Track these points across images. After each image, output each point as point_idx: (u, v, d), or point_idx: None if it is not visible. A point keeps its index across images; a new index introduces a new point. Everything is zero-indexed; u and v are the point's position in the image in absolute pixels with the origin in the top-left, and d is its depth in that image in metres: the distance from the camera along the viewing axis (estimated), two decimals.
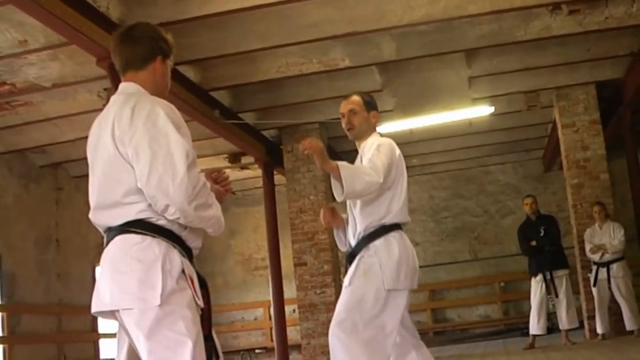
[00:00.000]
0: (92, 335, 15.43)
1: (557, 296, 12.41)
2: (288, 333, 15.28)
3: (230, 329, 20.44)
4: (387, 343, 5.30)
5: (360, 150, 5.69)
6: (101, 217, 3.69)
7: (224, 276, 20.79)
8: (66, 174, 15.29)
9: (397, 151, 5.55)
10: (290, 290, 15.85)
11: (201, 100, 11.81)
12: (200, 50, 10.65)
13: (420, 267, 17.29)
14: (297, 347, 15.97)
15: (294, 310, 16.58)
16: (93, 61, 9.04)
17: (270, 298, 15.28)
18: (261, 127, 14.54)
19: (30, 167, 14.53)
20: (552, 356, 11.22)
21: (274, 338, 15.34)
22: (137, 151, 3.52)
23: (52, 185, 15.05)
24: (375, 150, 5.43)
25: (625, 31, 11.45)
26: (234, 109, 13.16)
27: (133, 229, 3.56)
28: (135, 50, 3.84)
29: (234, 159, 16.10)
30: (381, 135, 5.77)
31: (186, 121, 11.78)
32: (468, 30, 11.14)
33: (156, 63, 3.87)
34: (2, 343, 13.13)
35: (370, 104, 5.75)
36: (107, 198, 3.64)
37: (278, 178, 15.98)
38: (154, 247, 3.53)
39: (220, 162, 16.30)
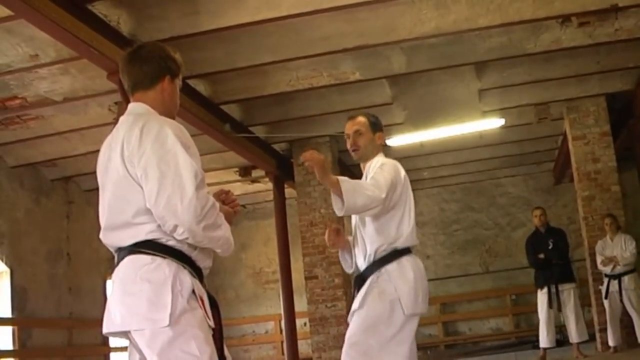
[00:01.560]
0: (103, 349, 15.42)
1: (559, 310, 12.44)
2: (299, 346, 15.29)
3: (241, 342, 20.43)
4: None
5: (364, 172, 5.64)
6: (111, 238, 3.71)
7: (235, 290, 20.78)
8: (77, 187, 15.32)
9: (402, 172, 5.49)
10: (301, 304, 15.83)
11: (212, 114, 11.83)
12: (210, 64, 10.68)
13: (431, 280, 17.20)
14: None
15: (305, 324, 16.56)
16: (104, 75, 9.07)
17: (281, 311, 15.30)
18: (272, 140, 14.55)
19: (41, 181, 14.55)
20: None
21: (285, 352, 15.33)
22: (145, 171, 3.53)
23: (63, 199, 15.08)
24: (379, 168, 5.39)
25: (636, 43, 11.43)
26: (245, 123, 13.18)
27: (143, 250, 3.58)
28: (143, 70, 3.86)
29: (245, 172, 16.11)
30: (385, 155, 5.72)
31: (197, 135, 11.80)
32: (478, 43, 11.14)
33: (164, 83, 3.89)
34: (14, 357, 13.13)
35: (376, 125, 5.70)
36: (117, 218, 3.66)
37: (289, 191, 15.98)
38: (164, 267, 3.53)
39: (231, 176, 16.33)
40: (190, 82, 10.93)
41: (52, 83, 10.49)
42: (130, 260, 3.59)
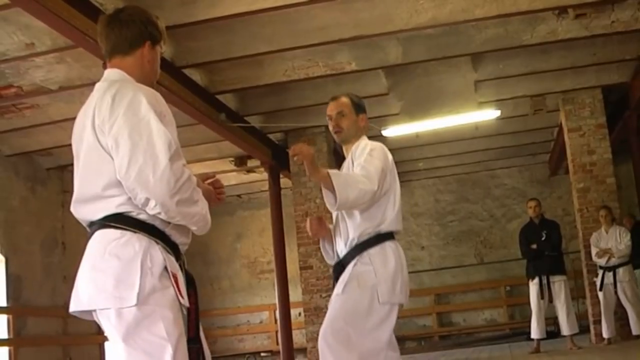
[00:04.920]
0: (98, 338, 15.40)
1: (550, 301, 12.46)
2: (293, 336, 15.30)
3: (236, 332, 20.49)
4: (379, 358, 5.08)
5: (349, 155, 5.44)
6: (82, 211, 3.53)
7: (230, 279, 20.82)
8: (72, 176, 15.15)
9: (390, 156, 5.30)
10: (295, 294, 15.84)
11: (207, 104, 11.81)
12: (206, 54, 10.67)
13: (426, 270, 17.12)
14: (303, 350, 15.99)
15: (299, 314, 16.59)
16: (99, 64, 9.00)
17: (276, 301, 15.30)
18: (267, 130, 14.54)
19: (36, 170, 14.55)
20: None
21: (280, 341, 15.33)
22: (117, 141, 3.32)
23: (59, 188, 15.06)
24: (368, 155, 5.18)
25: (632, 35, 11.43)
26: (240, 112, 13.16)
27: (112, 224, 3.38)
28: (122, 33, 3.63)
29: (240, 162, 16.10)
30: (370, 137, 5.55)
31: (192, 124, 11.71)
32: (474, 34, 11.14)
33: (144, 48, 3.66)
34: (8, 345, 13.13)
35: (359, 106, 5.55)
36: (87, 191, 3.48)
37: (284, 181, 15.99)
38: (133, 243, 3.34)
39: (226, 166, 16.32)
40: (186, 71, 10.93)
41: (48, 72, 10.46)
42: (99, 234, 3.41)
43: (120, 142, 3.32)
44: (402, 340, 17.53)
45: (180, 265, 3.51)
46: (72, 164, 3.66)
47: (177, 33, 9.49)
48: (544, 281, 12.45)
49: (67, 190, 15.16)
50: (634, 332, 12.48)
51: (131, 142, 3.30)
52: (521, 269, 13.67)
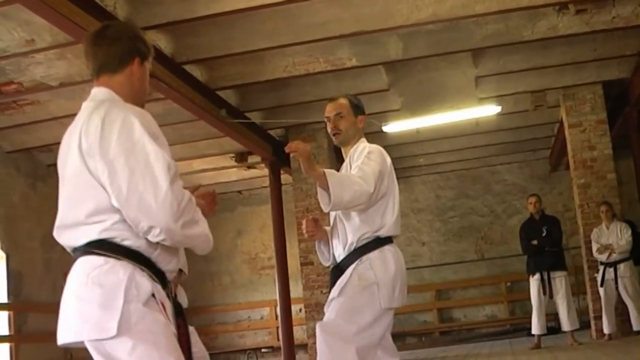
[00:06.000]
0: None
1: (551, 297, 12.52)
2: (294, 332, 15.30)
3: (236, 328, 20.48)
4: (371, 356, 5.10)
5: (347, 158, 5.41)
6: (64, 237, 3.41)
7: (231, 275, 20.82)
8: None
9: (388, 159, 5.26)
10: (296, 290, 15.84)
11: (208, 100, 11.80)
12: (207, 50, 10.65)
13: (427, 266, 17.19)
14: (304, 346, 15.99)
15: (300, 310, 16.57)
16: None
17: (277, 297, 15.30)
18: (268, 126, 14.54)
19: (37, 166, 14.55)
20: (558, 356, 11.22)
21: (280, 337, 15.33)
22: (111, 167, 3.18)
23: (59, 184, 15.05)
24: (366, 157, 5.14)
25: (632, 31, 11.42)
26: (241, 108, 13.15)
27: (96, 251, 3.24)
28: (110, 51, 3.48)
29: (241, 158, 16.09)
30: (367, 140, 5.50)
31: (193, 120, 11.74)
32: (475, 29, 11.13)
33: (134, 65, 3.51)
34: (9, 342, 13.13)
35: (358, 108, 5.46)
36: (71, 217, 3.36)
37: (285, 177, 15.97)
38: (117, 270, 3.18)
39: (227, 162, 16.33)
40: (186, 67, 10.92)
41: (48, 68, 10.45)
42: (82, 262, 3.27)
43: (117, 169, 3.19)
44: (402, 336, 17.57)
45: (167, 294, 3.38)
46: None
47: (178, 29, 9.50)
48: (545, 277, 12.49)
49: None
50: (635, 327, 12.50)
51: (128, 169, 3.17)
52: (522, 265, 13.69)
